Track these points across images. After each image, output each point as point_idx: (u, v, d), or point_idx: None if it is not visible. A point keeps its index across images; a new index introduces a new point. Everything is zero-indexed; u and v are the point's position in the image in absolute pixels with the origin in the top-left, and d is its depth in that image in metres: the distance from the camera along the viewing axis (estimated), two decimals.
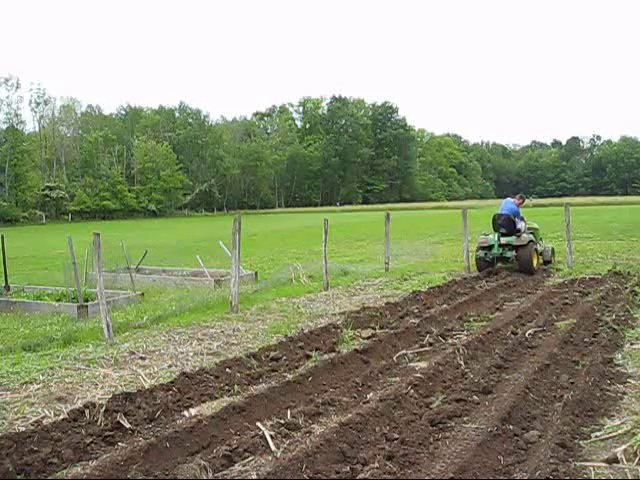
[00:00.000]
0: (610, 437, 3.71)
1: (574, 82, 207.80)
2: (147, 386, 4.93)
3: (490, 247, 11.59)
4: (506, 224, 11.50)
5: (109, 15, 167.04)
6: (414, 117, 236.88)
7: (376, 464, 3.30)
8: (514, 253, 11.40)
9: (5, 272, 10.58)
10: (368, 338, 6.47)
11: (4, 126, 64.28)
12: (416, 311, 7.86)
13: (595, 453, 3.50)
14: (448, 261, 14.13)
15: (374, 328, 6.97)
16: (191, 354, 6.08)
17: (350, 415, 4.00)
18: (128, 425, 4.06)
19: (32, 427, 4.04)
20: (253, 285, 10.69)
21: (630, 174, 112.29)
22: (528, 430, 3.80)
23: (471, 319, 7.46)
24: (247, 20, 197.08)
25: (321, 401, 4.47)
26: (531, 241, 11.42)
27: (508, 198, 12.47)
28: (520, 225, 11.59)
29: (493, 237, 11.63)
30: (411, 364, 5.59)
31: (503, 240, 11.45)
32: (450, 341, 6.38)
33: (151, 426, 4.12)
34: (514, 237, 11.35)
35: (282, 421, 4.08)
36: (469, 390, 4.58)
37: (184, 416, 4.30)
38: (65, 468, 3.50)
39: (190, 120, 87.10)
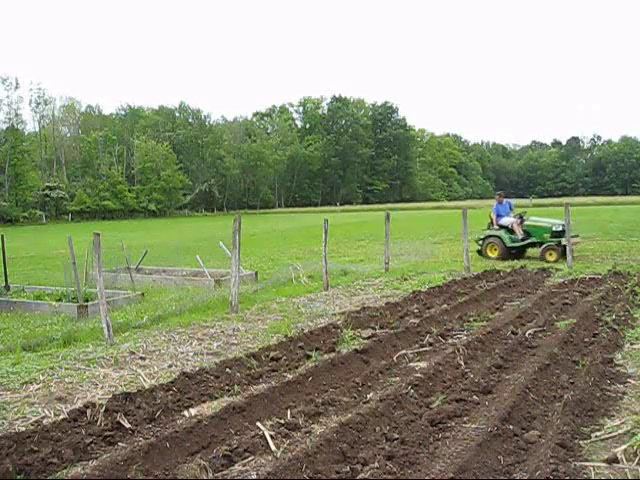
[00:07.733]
0: (610, 437, 3.71)
1: (574, 82, 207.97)
2: (147, 386, 4.93)
3: None
4: None
5: (109, 15, 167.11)
6: (414, 117, 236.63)
7: (376, 464, 3.30)
8: None
9: (5, 272, 10.59)
10: (368, 338, 6.47)
11: (4, 126, 64.35)
12: (416, 311, 7.86)
13: (595, 453, 3.50)
14: (448, 261, 14.12)
15: (374, 328, 6.97)
16: (191, 354, 6.08)
17: (350, 415, 4.00)
18: (128, 425, 4.06)
19: (32, 427, 4.04)
20: (253, 285, 10.68)
21: (630, 174, 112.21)
22: (528, 430, 3.80)
23: (471, 319, 7.46)
24: (247, 20, 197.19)
25: (321, 401, 4.47)
26: None
27: None
28: None
29: None
30: (411, 364, 5.59)
31: None
32: (450, 341, 6.38)
33: (151, 426, 4.12)
34: None
35: (282, 421, 4.08)
36: (469, 390, 4.58)
37: (184, 416, 4.30)
38: (65, 468, 3.50)
39: (190, 120, 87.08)
